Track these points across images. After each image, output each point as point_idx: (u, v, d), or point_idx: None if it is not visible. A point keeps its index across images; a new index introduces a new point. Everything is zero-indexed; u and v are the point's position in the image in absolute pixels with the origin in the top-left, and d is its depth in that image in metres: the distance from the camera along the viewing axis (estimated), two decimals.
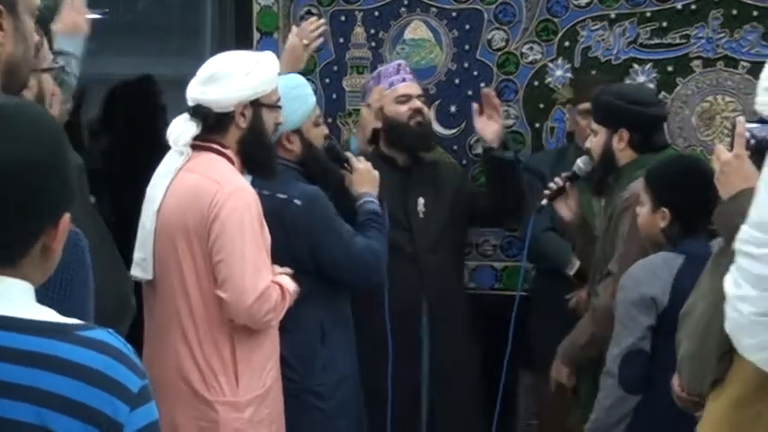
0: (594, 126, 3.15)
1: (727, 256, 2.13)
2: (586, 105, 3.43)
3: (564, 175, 3.28)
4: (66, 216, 1.31)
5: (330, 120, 3.88)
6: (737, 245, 1.78)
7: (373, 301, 3.29)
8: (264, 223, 2.71)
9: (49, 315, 1.29)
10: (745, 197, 2.06)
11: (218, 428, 2.65)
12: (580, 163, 3.23)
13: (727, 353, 2.17)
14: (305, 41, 3.46)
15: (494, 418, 3.43)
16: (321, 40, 3.60)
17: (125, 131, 4.14)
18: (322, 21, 3.66)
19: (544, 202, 3.27)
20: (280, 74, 2.91)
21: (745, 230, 1.77)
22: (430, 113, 3.65)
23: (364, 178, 3.18)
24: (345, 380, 3.09)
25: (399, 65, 3.61)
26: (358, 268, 3.02)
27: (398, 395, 3.37)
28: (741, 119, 2.15)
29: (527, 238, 3.41)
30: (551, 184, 3.29)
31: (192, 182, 2.68)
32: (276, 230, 2.78)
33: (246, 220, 2.64)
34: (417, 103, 3.53)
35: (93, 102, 4.22)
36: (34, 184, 1.26)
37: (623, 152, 3.08)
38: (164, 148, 2.81)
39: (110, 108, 4.23)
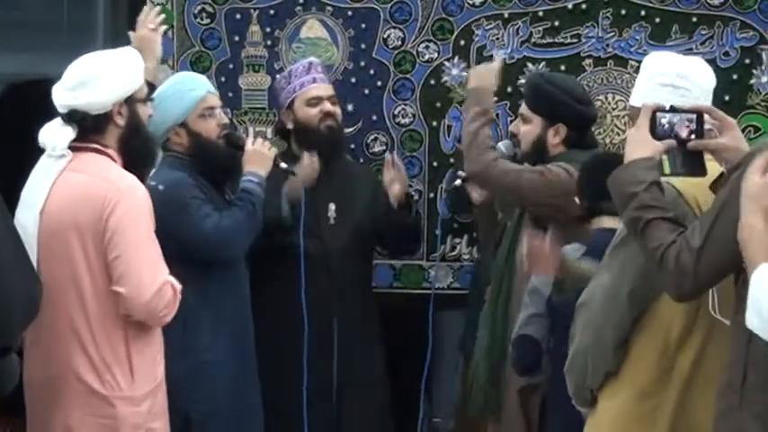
0: (527, 113, 3.16)
1: (627, 247, 2.19)
2: None
3: None
4: None
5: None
6: None
7: (292, 297, 3.41)
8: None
9: None
10: (636, 166, 2.12)
11: (116, 424, 2.66)
12: (502, 147, 3.24)
13: (623, 343, 2.22)
14: (151, 26, 3.42)
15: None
16: (165, 24, 3.54)
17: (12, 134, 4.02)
18: (157, 7, 3.64)
19: (458, 182, 3.28)
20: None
21: None
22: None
23: (252, 158, 3.24)
24: (207, 364, 3.14)
25: (311, 63, 3.61)
26: (207, 246, 3.12)
27: (312, 386, 3.42)
28: (651, 104, 2.21)
29: (439, 217, 3.43)
30: None
31: (81, 181, 2.69)
32: None
33: (141, 216, 2.68)
34: (328, 106, 3.54)
35: None
36: None
37: (555, 146, 3.14)
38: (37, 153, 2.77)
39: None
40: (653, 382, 2.20)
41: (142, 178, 2.78)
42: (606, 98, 3.76)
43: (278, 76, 3.71)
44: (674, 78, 2.30)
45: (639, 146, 2.14)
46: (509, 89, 3.71)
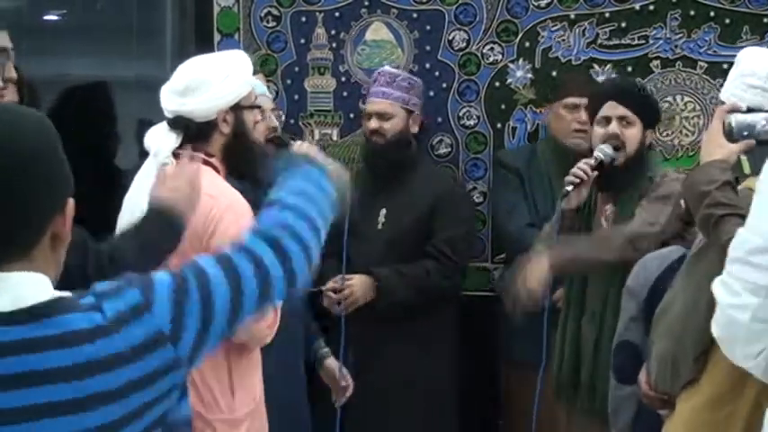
0: (631, 116, 3.06)
1: (706, 256, 2.16)
2: (573, 100, 3.49)
3: (587, 162, 3.08)
4: (71, 201, 1.37)
5: (292, 121, 3.87)
6: (732, 251, 1.74)
7: None
8: None
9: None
10: (710, 166, 2.10)
11: None
12: (605, 149, 3.07)
13: (702, 353, 2.19)
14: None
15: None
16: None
17: (72, 135, 4.09)
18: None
19: (570, 188, 3.15)
20: None
21: (743, 236, 1.74)
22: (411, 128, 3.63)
23: None
24: None
25: (379, 73, 3.61)
26: None
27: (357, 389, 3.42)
28: (724, 106, 2.19)
29: (556, 222, 3.32)
30: (579, 172, 3.08)
31: None
32: None
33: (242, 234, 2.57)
34: (373, 123, 3.56)
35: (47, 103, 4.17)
36: (42, 174, 1.32)
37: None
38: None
39: (61, 111, 4.18)
40: (728, 391, 2.17)
41: (244, 187, 2.66)
42: (675, 99, 3.71)
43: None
44: (764, 81, 2.26)
45: (714, 148, 2.12)
46: None
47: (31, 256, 1.33)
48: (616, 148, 3.05)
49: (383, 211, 3.58)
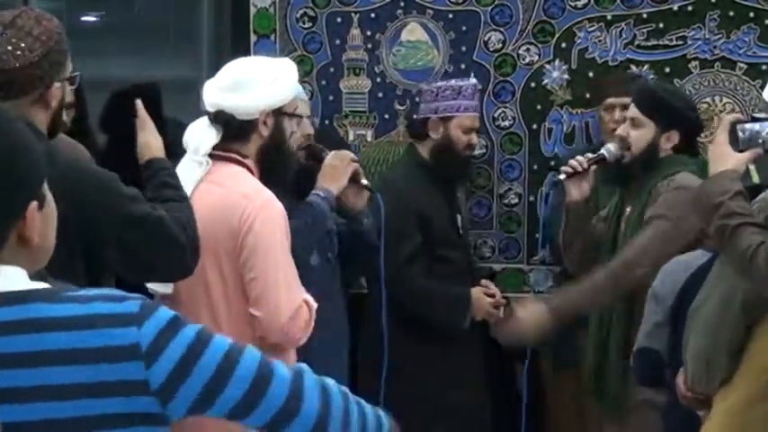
0: (640, 117, 3.10)
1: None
2: (610, 100, 3.51)
3: (591, 156, 3.17)
4: (33, 206, 1.32)
5: (327, 121, 3.88)
6: None
7: None
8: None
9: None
10: (721, 177, 2.10)
11: None
12: (611, 147, 3.13)
13: (738, 351, 2.18)
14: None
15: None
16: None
17: (123, 137, 4.11)
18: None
19: (563, 176, 3.20)
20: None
21: None
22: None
23: (326, 172, 3.06)
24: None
25: (473, 87, 3.59)
26: None
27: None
28: (728, 116, 2.21)
29: (541, 212, 3.34)
30: (574, 162, 3.19)
31: (219, 195, 2.56)
32: None
33: (278, 234, 2.54)
34: (474, 139, 3.60)
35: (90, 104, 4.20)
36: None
37: (665, 151, 3.09)
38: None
39: (111, 112, 4.20)
40: (764, 389, 2.16)
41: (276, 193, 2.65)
42: (713, 101, 3.68)
43: (442, 83, 3.62)
44: None
45: (722, 159, 2.12)
46: None
47: None
48: (624, 148, 3.10)
49: (458, 218, 3.61)
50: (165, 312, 1.33)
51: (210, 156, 2.61)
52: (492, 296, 3.52)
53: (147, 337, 1.29)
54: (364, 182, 3.16)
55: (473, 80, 3.63)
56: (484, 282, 3.58)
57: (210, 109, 2.62)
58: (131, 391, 1.27)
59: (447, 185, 3.58)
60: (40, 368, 1.26)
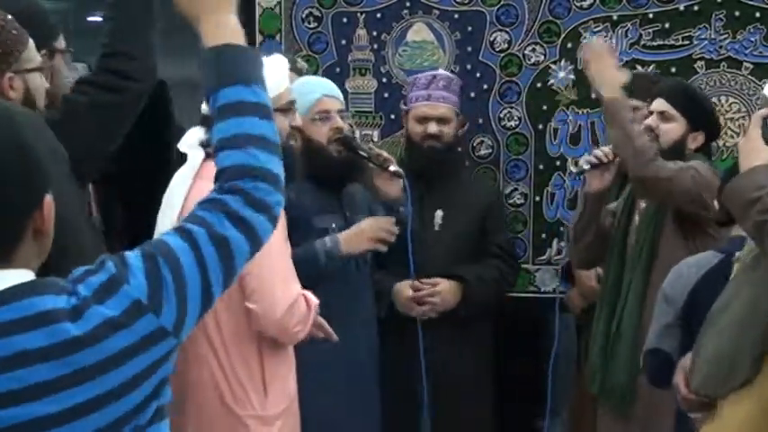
0: (672, 111, 3.10)
1: (765, 261, 2.13)
2: (633, 102, 3.48)
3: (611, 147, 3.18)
4: (48, 197, 1.37)
5: None
6: None
7: None
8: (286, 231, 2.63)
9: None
10: (754, 172, 2.07)
11: None
12: None
13: (760, 357, 2.16)
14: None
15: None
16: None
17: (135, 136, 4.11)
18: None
19: (587, 167, 3.19)
20: None
21: None
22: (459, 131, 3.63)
23: (352, 230, 3.09)
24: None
25: (434, 77, 3.58)
26: None
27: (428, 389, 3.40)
28: (761, 111, 2.17)
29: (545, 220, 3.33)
30: (599, 153, 3.18)
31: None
32: None
33: None
34: (432, 127, 3.53)
35: None
36: (15, 173, 1.33)
37: (689, 150, 3.11)
38: (169, 155, 2.75)
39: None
40: None
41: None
42: (719, 101, 3.67)
43: (409, 78, 3.70)
44: None
45: (754, 154, 2.10)
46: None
47: (12, 257, 1.34)
48: (650, 140, 3.07)
49: (439, 213, 3.58)
50: (134, 259, 1.40)
51: (207, 155, 2.60)
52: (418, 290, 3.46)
53: (140, 290, 1.38)
54: (392, 168, 3.18)
55: (440, 71, 3.63)
56: (424, 280, 3.47)
57: (202, 112, 2.63)
58: (157, 339, 1.38)
59: (418, 180, 3.49)
60: (66, 357, 1.31)
